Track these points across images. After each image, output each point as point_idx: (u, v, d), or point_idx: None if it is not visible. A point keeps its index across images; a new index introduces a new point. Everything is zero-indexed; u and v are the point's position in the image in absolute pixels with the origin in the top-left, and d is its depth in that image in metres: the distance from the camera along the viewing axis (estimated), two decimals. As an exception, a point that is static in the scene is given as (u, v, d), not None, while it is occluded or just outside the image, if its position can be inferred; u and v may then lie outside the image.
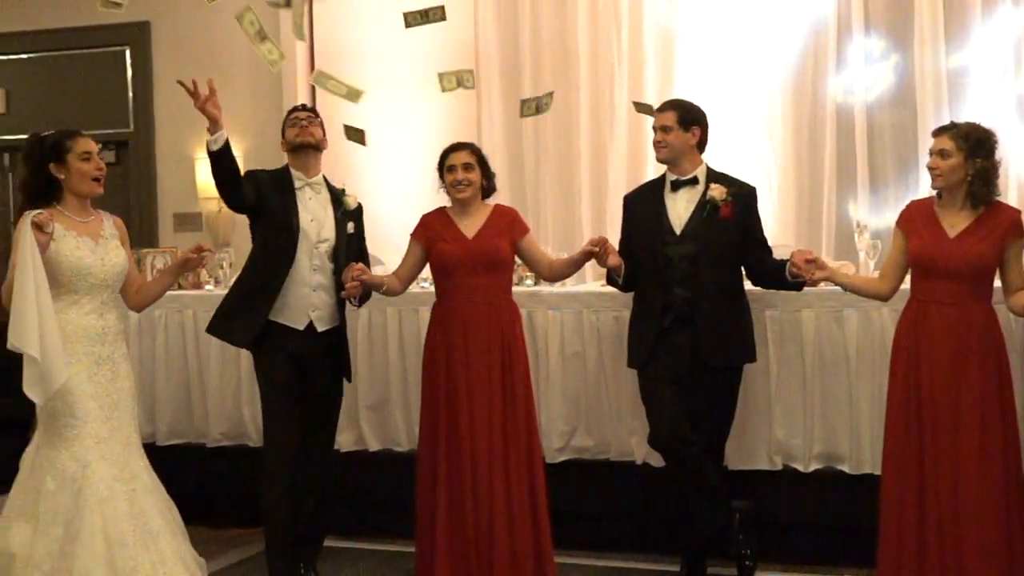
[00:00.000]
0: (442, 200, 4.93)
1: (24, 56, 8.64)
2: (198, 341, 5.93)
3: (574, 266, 4.88)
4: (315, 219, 4.82)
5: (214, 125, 4.58)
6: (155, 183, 8.36)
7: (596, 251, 4.61)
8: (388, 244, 5.93)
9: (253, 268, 4.87)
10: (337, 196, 4.92)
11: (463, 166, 4.77)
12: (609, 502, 5.42)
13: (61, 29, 8.44)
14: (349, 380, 5.07)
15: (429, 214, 4.91)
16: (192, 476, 5.89)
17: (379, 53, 7.63)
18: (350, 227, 4.90)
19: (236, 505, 5.82)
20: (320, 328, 4.80)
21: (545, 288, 5.46)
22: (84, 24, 8.30)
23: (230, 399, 5.90)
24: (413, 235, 4.90)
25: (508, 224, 4.82)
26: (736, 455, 5.13)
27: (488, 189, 4.88)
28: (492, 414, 4.63)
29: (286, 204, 4.78)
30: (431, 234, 4.80)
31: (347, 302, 4.83)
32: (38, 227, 3.94)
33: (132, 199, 8.24)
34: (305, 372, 4.80)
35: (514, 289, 4.96)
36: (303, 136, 4.86)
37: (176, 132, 8.23)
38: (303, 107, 5.12)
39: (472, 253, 4.70)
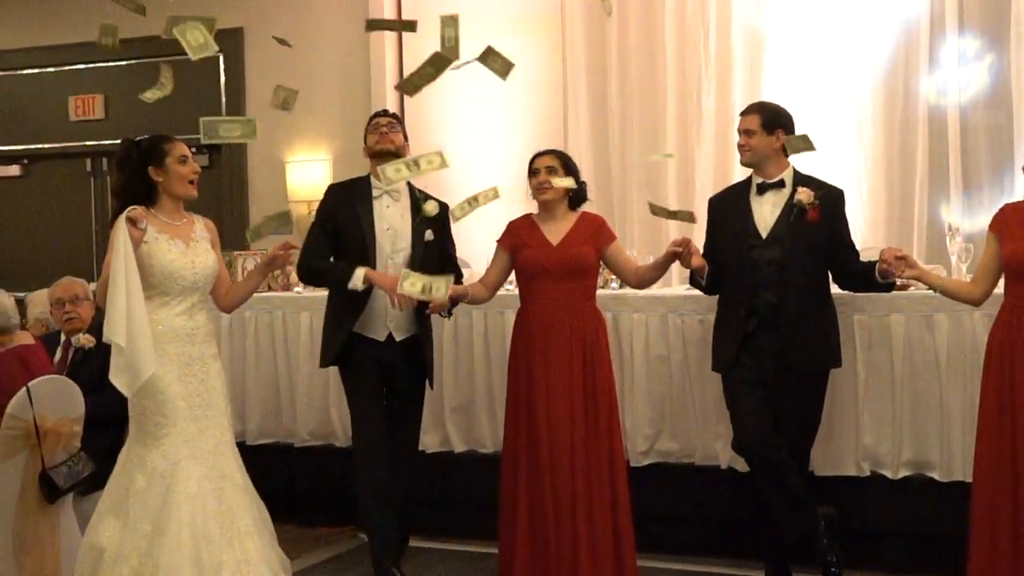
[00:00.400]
0: (533, 207, 4.94)
1: (121, 63, 8.84)
2: (287, 342, 6.03)
3: (659, 270, 4.84)
4: (391, 228, 4.84)
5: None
6: (247, 186, 8.52)
7: (680, 251, 4.58)
8: (475, 250, 5.97)
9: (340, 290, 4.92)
10: (417, 202, 4.90)
11: (546, 169, 4.78)
12: (693, 506, 5.39)
13: (156, 36, 8.58)
14: (431, 387, 5.07)
15: (515, 220, 4.93)
16: (280, 475, 5.98)
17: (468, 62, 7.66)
18: (428, 234, 4.87)
19: (323, 504, 5.91)
20: (398, 337, 4.85)
21: (630, 291, 5.44)
22: (180, 32, 8.48)
23: (318, 399, 5.98)
24: (499, 242, 4.92)
25: (594, 231, 4.81)
26: (823, 460, 5.06)
27: (577, 197, 4.86)
28: (573, 418, 4.62)
29: (360, 216, 4.81)
30: (517, 240, 4.82)
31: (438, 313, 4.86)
32: (132, 222, 4.01)
33: (224, 202, 8.40)
34: (387, 375, 4.87)
35: (599, 292, 4.97)
36: (383, 143, 4.88)
37: (267, 136, 8.35)
38: (384, 112, 5.12)
39: (556, 259, 4.71)
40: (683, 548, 5.36)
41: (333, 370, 5.65)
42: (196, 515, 4.03)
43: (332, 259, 4.87)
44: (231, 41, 8.42)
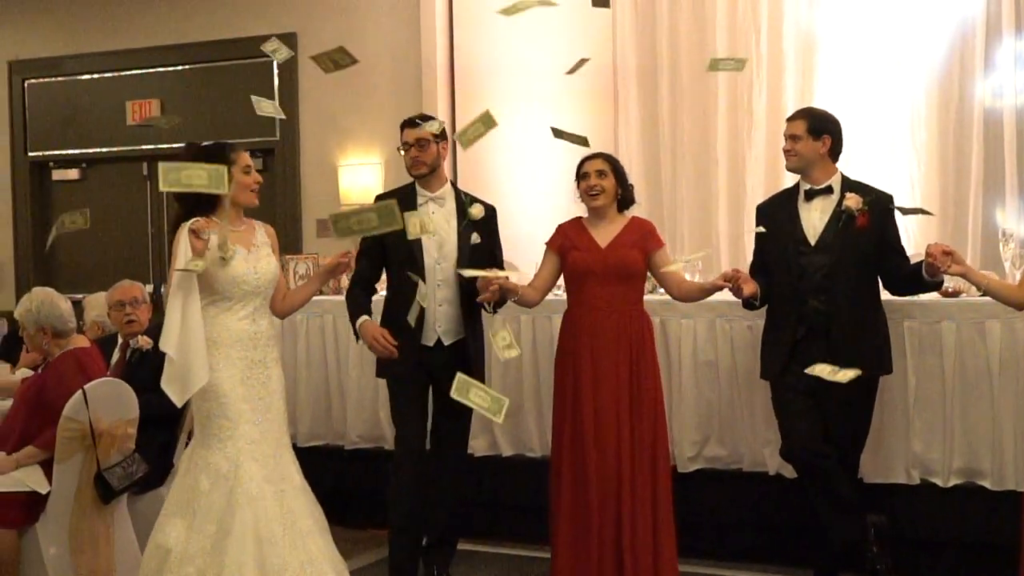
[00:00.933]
0: (581, 211, 4.94)
1: (178, 68, 8.98)
2: (338, 345, 6.08)
3: (704, 293, 4.80)
4: (437, 233, 4.83)
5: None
6: (299, 190, 8.59)
7: (729, 286, 4.57)
8: (524, 254, 5.98)
9: (391, 296, 4.94)
10: (463, 206, 4.90)
11: (596, 173, 4.77)
12: (741, 512, 5.37)
13: (212, 42, 8.75)
14: None
15: (565, 223, 4.93)
16: (330, 477, 6.02)
17: (516, 64, 7.70)
18: (475, 238, 4.87)
19: (373, 506, 5.94)
20: (447, 342, 4.86)
21: (678, 296, 5.44)
22: (234, 36, 8.60)
23: (368, 402, 6.02)
24: (548, 244, 4.91)
25: (642, 236, 4.80)
26: (873, 468, 5.02)
27: (625, 200, 4.86)
28: (618, 420, 4.62)
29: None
30: (565, 242, 4.82)
31: (482, 308, 4.82)
32: (195, 233, 4.05)
33: (277, 206, 8.48)
34: (433, 380, 4.87)
35: (647, 297, 4.95)
36: (415, 169, 4.87)
37: (320, 140, 8.45)
38: (412, 122, 4.92)
39: (604, 262, 4.71)
40: (731, 554, 5.34)
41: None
42: (259, 517, 4.07)
43: (375, 280, 4.95)
44: (285, 45, 8.45)
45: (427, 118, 4.95)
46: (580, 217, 4.91)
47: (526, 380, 5.72)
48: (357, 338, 4.84)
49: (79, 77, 9.27)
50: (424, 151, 4.83)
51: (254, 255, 4.30)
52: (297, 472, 4.29)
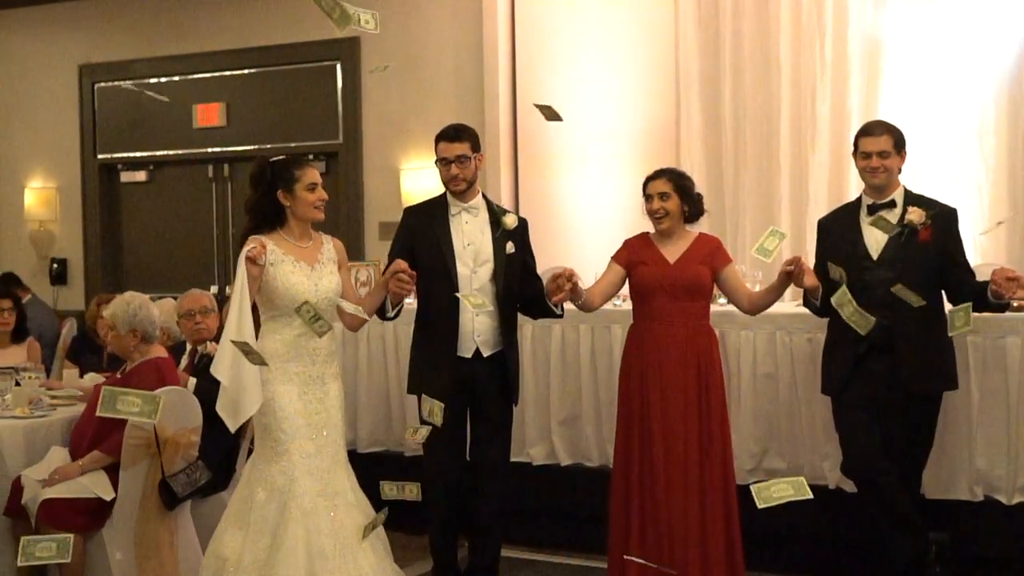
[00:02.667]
0: (649, 224, 4.90)
1: (242, 72, 9.06)
2: (398, 351, 6.12)
3: (774, 293, 4.74)
4: (472, 243, 4.79)
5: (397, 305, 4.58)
6: (362, 193, 8.64)
7: (791, 270, 4.50)
8: (582, 256, 5.99)
9: (424, 309, 4.87)
10: (496, 216, 4.83)
11: (659, 196, 4.75)
12: (799, 526, 5.31)
13: (276, 46, 8.83)
14: (515, 403, 4.98)
15: (632, 239, 4.90)
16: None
17: (579, 68, 7.69)
18: (510, 247, 4.80)
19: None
20: (486, 353, 4.79)
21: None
22: (298, 40, 8.67)
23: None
24: (615, 257, 4.88)
25: (710, 252, 4.77)
26: (935, 484, 4.98)
27: (692, 214, 4.82)
28: (687, 438, 4.60)
29: (439, 236, 4.76)
30: (633, 257, 4.80)
31: (553, 309, 4.73)
32: (251, 260, 4.13)
33: (340, 209, 8.53)
34: (474, 399, 4.81)
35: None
36: (454, 186, 4.79)
37: (383, 143, 8.50)
38: (451, 134, 4.83)
39: (673, 278, 4.69)
40: (790, 568, 5.31)
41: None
42: (311, 531, 4.12)
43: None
44: (348, 49, 8.56)
45: (463, 130, 4.86)
46: (647, 233, 4.89)
47: (585, 390, 5.72)
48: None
49: (147, 81, 9.40)
50: (465, 167, 4.77)
51: (317, 272, 4.33)
52: (352, 488, 4.32)
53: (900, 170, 4.71)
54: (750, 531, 4.88)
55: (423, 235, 4.80)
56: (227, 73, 9.11)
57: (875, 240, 4.64)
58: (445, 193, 4.87)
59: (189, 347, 5.79)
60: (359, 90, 8.60)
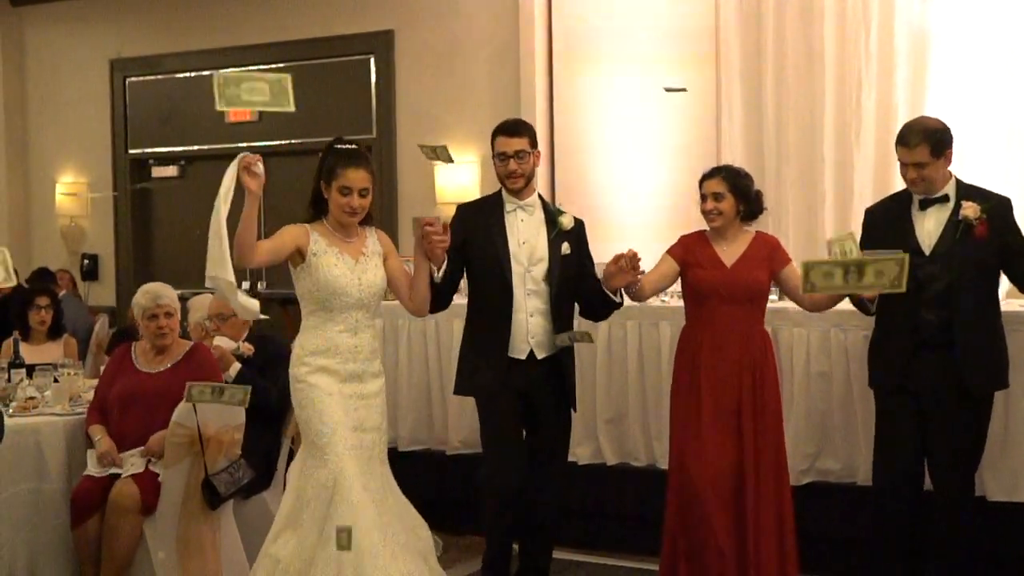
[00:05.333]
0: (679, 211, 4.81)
1: (275, 66, 8.98)
2: (439, 348, 6.04)
3: (835, 299, 4.64)
4: (527, 242, 4.62)
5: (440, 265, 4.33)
6: (396, 187, 8.57)
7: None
8: (621, 245, 5.87)
9: (476, 309, 4.72)
10: (552, 216, 4.68)
11: (712, 196, 4.63)
12: (854, 527, 5.21)
13: (309, 39, 8.77)
14: (575, 409, 4.82)
15: (689, 236, 4.77)
16: (431, 483, 5.99)
17: (617, 62, 7.60)
18: (565, 247, 4.63)
19: (474, 512, 5.88)
20: (540, 355, 4.60)
21: (791, 304, 5.29)
22: (331, 34, 8.62)
23: (470, 407, 5.92)
24: (670, 252, 4.75)
25: (768, 254, 4.66)
26: (996, 486, 4.86)
27: (751, 212, 4.70)
28: (742, 445, 4.51)
29: (493, 233, 4.61)
30: (689, 257, 4.67)
31: (614, 297, 4.54)
32: (247, 170, 3.97)
33: (374, 203, 8.46)
34: (529, 405, 4.62)
35: None
36: (512, 182, 4.61)
37: (417, 137, 8.37)
38: (510, 128, 4.66)
39: (730, 282, 4.57)
40: (842, 570, 5.21)
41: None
42: (359, 526, 3.96)
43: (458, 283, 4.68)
44: (382, 43, 8.49)
45: (522, 124, 4.72)
46: (703, 231, 4.76)
47: (631, 388, 5.63)
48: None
49: (178, 75, 9.35)
50: (524, 163, 4.60)
51: (361, 265, 4.19)
52: (391, 491, 4.21)
53: (947, 169, 4.51)
54: (803, 532, 4.78)
55: (477, 232, 4.64)
56: (260, 67, 9.03)
57: (927, 235, 4.48)
58: (500, 191, 4.72)
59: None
60: (393, 84, 8.54)
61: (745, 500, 4.49)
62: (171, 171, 9.45)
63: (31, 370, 5.50)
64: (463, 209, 4.84)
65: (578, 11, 7.81)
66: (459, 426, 6.01)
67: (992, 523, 4.66)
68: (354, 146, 4.25)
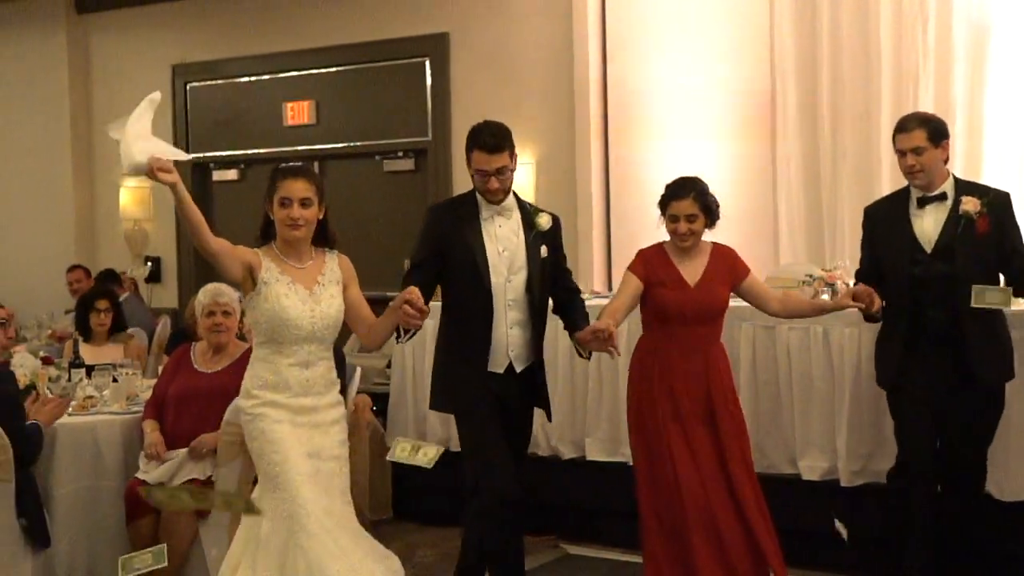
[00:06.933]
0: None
1: (332, 69, 9.09)
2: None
3: (818, 311, 4.68)
4: (506, 249, 4.41)
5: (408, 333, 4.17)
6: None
7: (860, 306, 4.43)
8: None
9: (452, 320, 4.50)
10: (529, 217, 4.47)
11: (686, 218, 4.50)
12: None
13: (365, 43, 8.83)
14: (549, 419, 4.74)
15: (648, 250, 4.63)
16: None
17: (671, 63, 7.58)
18: (543, 251, 4.45)
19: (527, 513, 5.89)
20: (519, 368, 4.44)
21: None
22: (387, 37, 8.66)
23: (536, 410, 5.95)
24: (632, 270, 4.60)
25: (729, 268, 4.59)
26: (1008, 486, 4.86)
27: (713, 224, 4.58)
28: (706, 472, 4.43)
29: (471, 243, 4.37)
30: (651, 275, 4.52)
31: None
32: (158, 170, 3.72)
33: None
34: (505, 411, 4.45)
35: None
36: (492, 196, 4.41)
37: (472, 139, 8.44)
38: (489, 143, 4.41)
39: (694, 303, 4.49)
40: (894, 570, 5.14)
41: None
42: (315, 562, 3.77)
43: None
44: (437, 46, 8.53)
45: (502, 137, 4.44)
46: (663, 244, 4.65)
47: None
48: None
49: (238, 80, 9.47)
50: (505, 180, 4.39)
51: (315, 295, 3.95)
52: (352, 530, 3.96)
53: (945, 161, 4.55)
54: (855, 535, 4.76)
55: (454, 241, 4.40)
56: (317, 71, 9.15)
57: (925, 233, 4.50)
58: (473, 191, 4.49)
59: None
60: (448, 86, 8.56)
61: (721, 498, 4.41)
62: (231, 174, 9.56)
63: (91, 370, 5.61)
64: (436, 213, 4.59)
65: (632, 7, 7.78)
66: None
67: (1003, 523, 4.61)
68: (299, 164, 4.13)
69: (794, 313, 4.72)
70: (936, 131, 4.50)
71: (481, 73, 8.34)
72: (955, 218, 4.43)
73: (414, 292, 3.90)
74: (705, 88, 7.47)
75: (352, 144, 8.95)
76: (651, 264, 4.56)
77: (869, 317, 4.60)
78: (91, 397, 5.32)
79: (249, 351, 5.18)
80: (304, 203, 3.91)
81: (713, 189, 4.60)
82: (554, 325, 4.73)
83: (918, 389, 4.47)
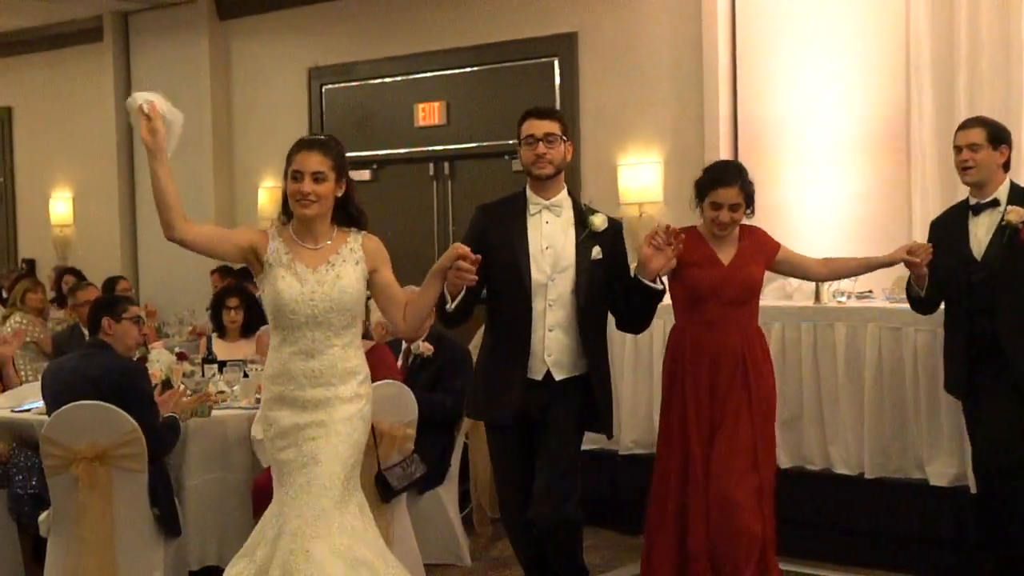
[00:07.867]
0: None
1: (461, 70, 9.18)
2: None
3: (868, 268, 4.62)
4: (551, 246, 4.19)
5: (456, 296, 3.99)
6: (579, 189, 8.58)
7: (916, 261, 4.37)
8: (805, 247, 5.73)
9: (494, 323, 4.33)
10: (583, 216, 4.25)
11: (729, 207, 4.44)
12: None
13: (495, 43, 8.90)
14: (609, 436, 4.53)
15: (683, 231, 4.43)
16: (604, 482, 6.01)
17: (802, 58, 7.47)
18: (596, 252, 4.20)
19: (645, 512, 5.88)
20: (558, 376, 4.18)
21: (904, 305, 5.07)
22: (516, 38, 8.72)
23: (643, 407, 5.96)
24: None
25: (761, 246, 4.56)
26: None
27: (750, 213, 4.54)
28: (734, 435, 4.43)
29: (513, 237, 4.18)
30: (683, 255, 4.34)
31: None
32: (146, 117, 3.49)
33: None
34: (537, 424, 4.21)
35: (878, 304, 4.89)
36: (539, 168, 4.18)
37: (600, 139, 8.44)
38: (541, 111, 4.27)
39: (730, 282, 4.45)
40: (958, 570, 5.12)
41: (657, 378, 5.63)
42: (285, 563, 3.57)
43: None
44: (566, 45, 8.54)
45: (555, 110, 4.38)
46: (695, 227, 4.57)
47: (807, 389, 5.50)
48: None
49: (370, 82, 9.64)
50: (553, 147, 4.17)
51: (319, 277, 3.65)
52: (340, 534, 3.63)
53: (1002, 166, 4.53)
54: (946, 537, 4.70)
55: (495, 235, 4.21)
56: (447, 72, 9.25)
57: (978, 241, 4.49)
58: (524, 190, 4.32)
59: (404, 345, 5.87)
60: (577, 86, 8.57)
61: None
62: (364, 175, 9.71)
63: (223, 366, 5.79)
64: (481, 210, 4.41)
65: (762, 5, 7.67)
66: (632, 427, 6.01)
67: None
68: (320, 135, 3.86)
69: (841, 272, 4.71)
70: (996, 133, 4.51)
71: (609, 73, 8.32)
72: (1001, 227, 4.42)
73: (461, 246, 3.75)
74: (840, 93, 7.31)
75: (481, 144, 9.02)
76: (685, 244, 4.32)
77: (910, 291, 4.58)
78: (222, 392, 5.48)
79: (374, 349, 5.34)
80: (317, 177, 3.62)
81: (847, 196, 4.63)
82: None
83: (977, 402, 4.50)
